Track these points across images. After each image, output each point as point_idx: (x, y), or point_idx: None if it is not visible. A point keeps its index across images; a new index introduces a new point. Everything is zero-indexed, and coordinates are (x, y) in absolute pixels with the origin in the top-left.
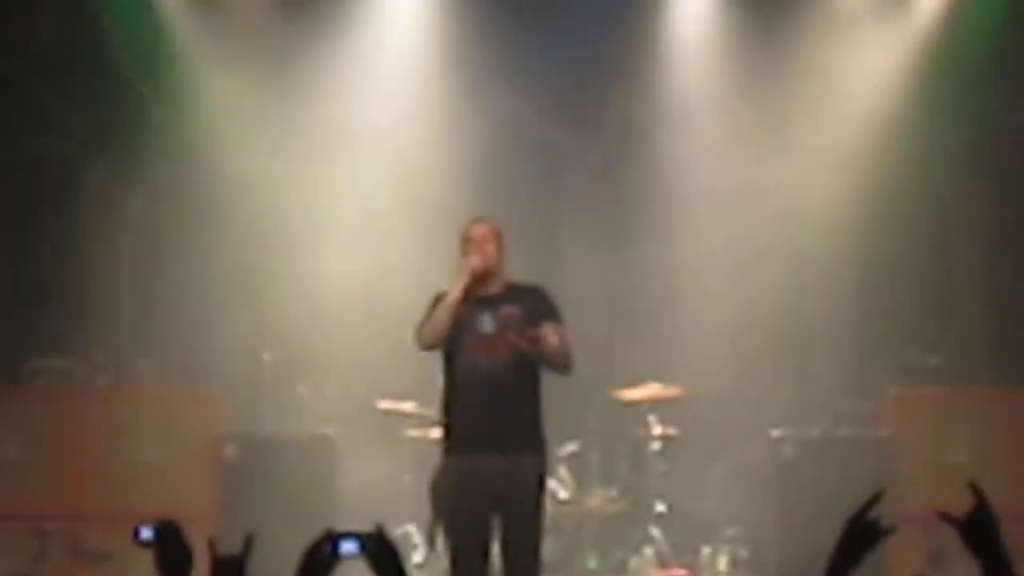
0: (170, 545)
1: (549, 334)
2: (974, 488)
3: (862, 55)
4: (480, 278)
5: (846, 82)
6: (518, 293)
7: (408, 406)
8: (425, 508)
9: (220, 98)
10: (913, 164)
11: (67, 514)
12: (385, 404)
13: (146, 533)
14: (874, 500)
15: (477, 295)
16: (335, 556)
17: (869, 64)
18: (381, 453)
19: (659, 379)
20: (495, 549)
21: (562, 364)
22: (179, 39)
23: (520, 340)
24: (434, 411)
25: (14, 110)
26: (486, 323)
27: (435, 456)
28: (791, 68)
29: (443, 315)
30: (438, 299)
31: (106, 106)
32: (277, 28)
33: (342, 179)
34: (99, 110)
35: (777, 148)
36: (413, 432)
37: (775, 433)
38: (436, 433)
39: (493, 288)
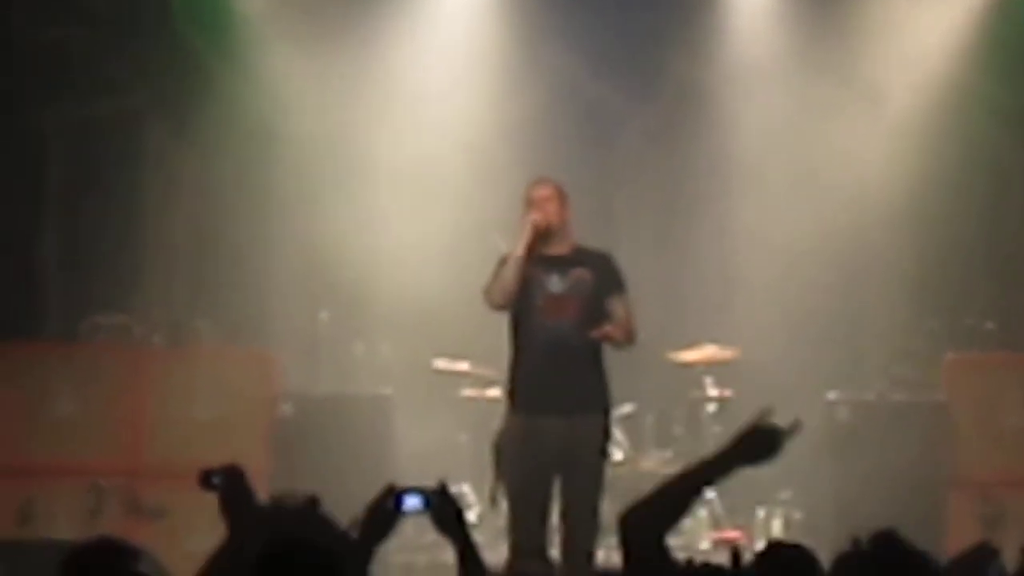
0: (234, 487)
1: (617, 329)
2: None
3: (927, 18)
4: (543, 235)
5: (910, 46)
6: (588, 257)
7: (464, 365)
8: (481, 468)
9: (278, 57)
10: (972, 127)
11: (123, 470)
12: (441, 363)
13: (214, 478)
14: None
15: (545, 255)
16: (398, 511)
17: (933, 28)
18: (437, 412)
19: (714, 341)
20: (555, 509)
21: (626, 344)
22: None
23: (596, 334)
24: (490, 370)
25: (70, 71)
26: (555, 283)
27: (491, 416)
28: (857, 31)
29: (510, 273)
30: (504, 261)
31: (163, 66)
32: None
33: (398, 139)
34: (156, 70)
35: (839, 112)
36: (469, 392)
37: (830, 396)
38: (492, 392)
39: (561, 248)
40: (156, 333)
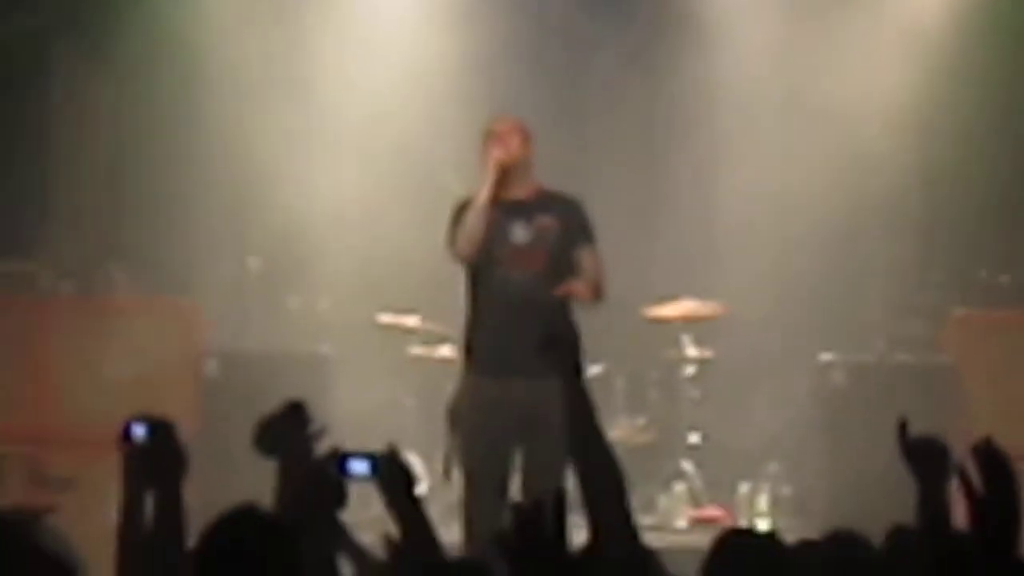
0: (164, 447)
1: (584, 285)
2: None
3: None
4: (507, 174)
5: None
6: (553, 202)
7: (412, 320)
8: (430, 436)
9: None
10: (998, 58)
11: (26, 437)
12: (386, 318)
13: (138, 430)
14: None
15: (506, 199)
16: (342, 476)
17: None
18: (381, 373)
19: (694, 295)
20: (515, 482)
21: (594, 301)
22: None
23: (561, 291)
24: (442, 326)
25: None
26: (519, 232)
27: (442, 378)
28: None
29: (477, 220)
30: (462, 208)
31: None
32: None
33: (341, 68)
34: None
35: (837, 40)
36: (417, 350)
37: (824, 358)
38: (445, 351)
39: (523, 192)
40: (64, 281)
